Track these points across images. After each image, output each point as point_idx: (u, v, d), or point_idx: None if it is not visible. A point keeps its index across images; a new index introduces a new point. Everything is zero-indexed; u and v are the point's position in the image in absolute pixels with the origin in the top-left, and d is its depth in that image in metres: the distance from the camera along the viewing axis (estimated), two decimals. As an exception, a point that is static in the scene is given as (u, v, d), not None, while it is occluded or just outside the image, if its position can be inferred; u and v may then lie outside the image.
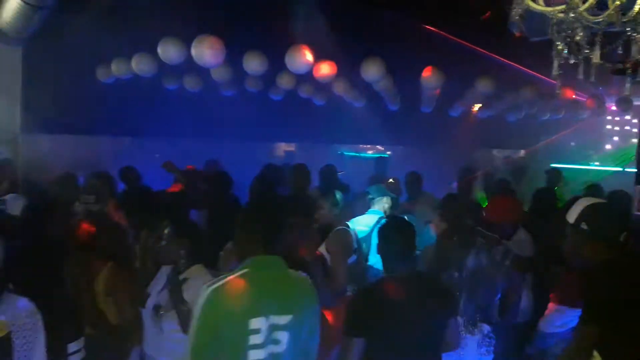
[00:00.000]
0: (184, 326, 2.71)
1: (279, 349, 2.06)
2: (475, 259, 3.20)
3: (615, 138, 10.49)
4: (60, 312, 2.72)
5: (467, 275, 3.15)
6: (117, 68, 6.46)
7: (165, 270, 3.21)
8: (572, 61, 2.55)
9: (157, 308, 2.93)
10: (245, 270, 2.06)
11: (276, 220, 2.25)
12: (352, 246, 3.83)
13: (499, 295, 3.35)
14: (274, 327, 2.03)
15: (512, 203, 3.96)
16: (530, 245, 3.98)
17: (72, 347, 3.17)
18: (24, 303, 2.26)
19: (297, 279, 2.22)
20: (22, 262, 2.62)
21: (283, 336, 2.06)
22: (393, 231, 2.67)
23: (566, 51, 2.51)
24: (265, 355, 2.01)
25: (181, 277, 2.97)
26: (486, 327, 3.21)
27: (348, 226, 4.03)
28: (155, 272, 3.27)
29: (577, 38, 2.10)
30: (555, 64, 2.35)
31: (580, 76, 2.36)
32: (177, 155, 6.73)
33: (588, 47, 2.43)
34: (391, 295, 2.53)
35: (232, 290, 1.98)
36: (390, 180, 6.16)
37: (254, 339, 1.98)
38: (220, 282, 2.00)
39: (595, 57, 2.15)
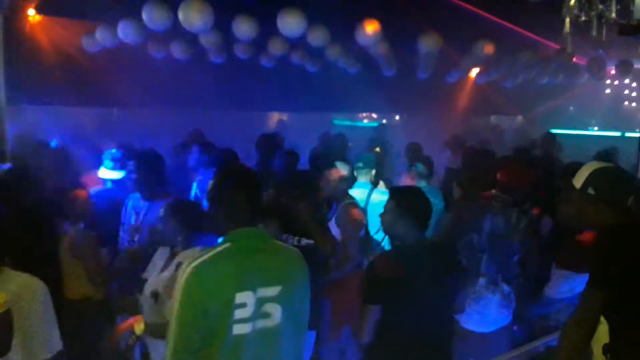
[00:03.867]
0: None
1: (271, 322, 2.03)
2: (492, 221, 3.24)
3: (614, 102, 10.37)
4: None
5: (485, 238, 3.18)
6: (102, 36, 6.20)
7: (161, 253, 3.12)
8: (582, 18, 2.40)
9: (154, 295, 2.84)
10: (226, 244, 2.01)
11: (253, 193, 2.13)
12: (363, 219, 3.83)
13: (516, 256, 3.37)
14: (262, 300, 1.99)
15: (526, 170, 3.97)
16: None
17: None
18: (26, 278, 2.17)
19: (283, 249, 2.18)
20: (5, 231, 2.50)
21: (274, 308, 2.02)
22: (414, 200, 2.67)
23: (577, 8, 2.36)
24: (250, 329, 1.97)
25: (177, 260, 2.88)
26: (506, 288, 3.26)
27: (353, 199, 3.98)
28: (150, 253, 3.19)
29: (593, -8, 1.94)
30: (567, 21, 2.19)
31: (594, 34, 2.21)
32: (166, 125, 6.59)
33: (601, 3, 2.28)
34: (407, 263, 2.55)
35: (214, 266, 1.94)
36: (377, 149, 6.08)
37: (240, 313, 1.95)
38: (201, 259, 1.95)
39: (612, 13, 1.99)
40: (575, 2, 2.19)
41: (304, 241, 3.36)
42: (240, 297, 1.94)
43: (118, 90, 6.69)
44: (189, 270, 1.92)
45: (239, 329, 1.94)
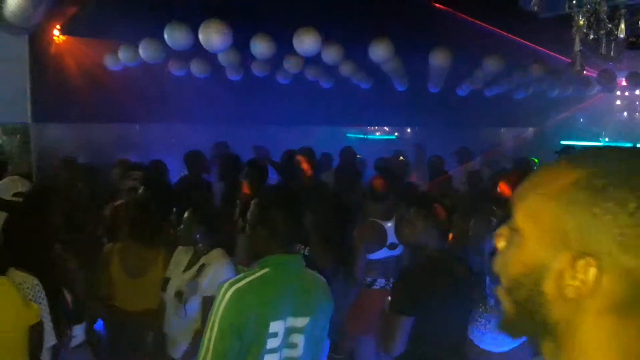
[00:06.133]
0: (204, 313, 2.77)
1: (295, 353, 2.02)
2: (492, 239, 3.21)
3: (625, 113, 10.39)
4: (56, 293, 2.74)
5: (488, 257, 3.17)
6: (124, 55, 6.42)
7: (181, 252, 3.26)
8: (591, 37, 2.53)
9: (178, 294, 2.97)
10: (265, 270, 1.99)
11: (298, 216, 2.15)
12: (380, 239, 3.77)
13: None
14: (291, 330, 1.99)
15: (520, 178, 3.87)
16: None
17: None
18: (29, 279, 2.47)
19: (314, 279, 2.15)
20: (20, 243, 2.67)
21: (299, 339, 2.02)
22: (432, 213, 2.68)
23: (585, 27, 2.48)
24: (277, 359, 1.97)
25: (201, 261, 3.03)
26: None
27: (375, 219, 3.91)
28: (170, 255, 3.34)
29: (602, 12, 2.07)
30: (577, 39, 2.31)
31: (603, 52, 2.34)
32: (187, 141, 6.75)
33: (609, 21, 2.41)
34: (437, 273, 2.57)
35: (254, 292, 1.92)
36: (400, 157, 6.16)
37: (271, 343, 1.94)
38: (242, 283, 1.93)
39: (621, 31, 2.12)
40: (584, 21, 2.32)
41: (306, 251, 3.37)
42: (274, 326, 1.93)
43: (140, 106, 6.90)
44: (230, 293, 1.89)
45: (269, 359, 1.94)
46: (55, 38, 6.64)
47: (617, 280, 0.65)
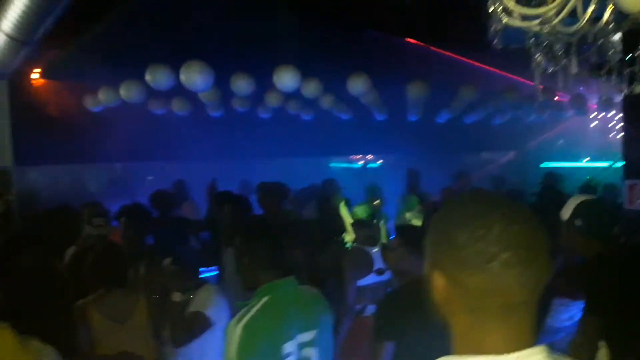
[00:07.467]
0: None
1: None
2: None
3: (602, 134, 10.61)
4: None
5: None
6: (104, 97, 6.48)
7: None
8: (550, 70, 2.65)
9: (173, 337, 2.90)
10: (265, 298, 2.07)
11: (279, 243, 2.24)
12: (367, 265, 3.83)
13: None
14: (302, 346, 2.09)
15: None
16: None
17: None
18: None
19: (311, 294, 2.27)
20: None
21: (311, 352, 2.13)
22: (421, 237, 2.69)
23: (544, 62, 2.60)
24: None
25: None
26: None
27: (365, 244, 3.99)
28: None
29: (555, 49, 2.19)
30: (537, 74, 2.43)
31: (560, 84, 2.46)
32: (171, 179, 6.78)
33: (565, 56, 2.53)
34: (420, 298, 2.55)
35: (261, 322, 2.00)
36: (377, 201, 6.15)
37: None
38: (248, 317, 2.00)
39: (573, 68, 2.24)
40: (542, 58, 2.44)
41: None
42: (286, 347, 2.03)
43: (121, 146, 6.92)
44: (239, 329, 1.96)
45: None
46: (34, 82, 6.69)
47: (457, 289, 0.97)
